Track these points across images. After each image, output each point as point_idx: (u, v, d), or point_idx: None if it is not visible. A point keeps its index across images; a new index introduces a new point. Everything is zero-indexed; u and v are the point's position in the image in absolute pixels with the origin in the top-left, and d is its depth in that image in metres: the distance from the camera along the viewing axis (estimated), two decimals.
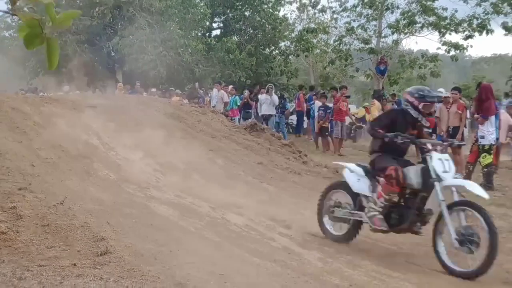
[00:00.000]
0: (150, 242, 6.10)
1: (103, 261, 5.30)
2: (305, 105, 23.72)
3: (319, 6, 34.28)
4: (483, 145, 12.52)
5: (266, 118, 20.30)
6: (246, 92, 23.34)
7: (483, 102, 12.40)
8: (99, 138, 10.16)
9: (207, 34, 34.21)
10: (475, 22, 27.50)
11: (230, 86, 24.17)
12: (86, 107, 11.47)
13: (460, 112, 14.38)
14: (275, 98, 21.27)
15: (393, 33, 29.42)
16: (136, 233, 6.34)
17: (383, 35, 30.09)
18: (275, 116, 20.99)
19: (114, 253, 5.50)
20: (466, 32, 27.82)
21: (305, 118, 24.29)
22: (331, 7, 32.78)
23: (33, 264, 5.06)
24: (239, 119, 20.89)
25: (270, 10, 33.45)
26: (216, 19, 34.99)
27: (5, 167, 7.33)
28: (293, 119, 26.47)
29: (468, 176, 13.13)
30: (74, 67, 23.78)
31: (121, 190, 8.13)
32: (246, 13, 33.53)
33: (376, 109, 20.92)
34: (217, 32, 35.60)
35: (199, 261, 5.70)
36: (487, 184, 12.38)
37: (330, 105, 20.01)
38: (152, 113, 12.34)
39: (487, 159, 12.28)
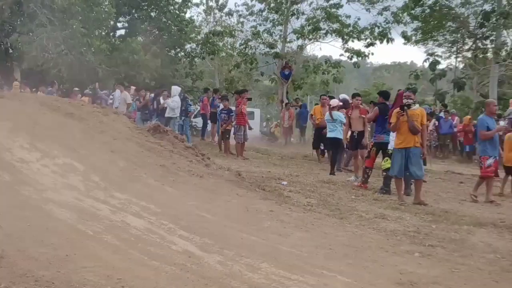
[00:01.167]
0: (45, 246, 5.92)
1: None
2: (209, 108, 23.73)
3: (226, 9, 34.52)
4: (388, 150, 12.98)
5: (168, 121, 20.07)
6: (148, 95, 23.15)
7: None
8: None
9: (111, 34, 33.54)
10: (376, 30, 28.58)
11: (133, 88, 23.85)
12: None
13: (363, 116, 14.77)
14: (169, 102, 21.13)
15: (298, 38, 30.02)
16: (30, 237, 6.13)
17: (288, 40, 30.65)
18: (177, 118, 20.77)
19: (6, 257, 5.30)
20: (368, 40, 28.87)
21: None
22: (237, 11, 33.07)
23: None
24: (135, 120, 20.64)
25: (177, 11, 33.23)
26: (121, 18, 34.33)
27: None
28: (198, 122, 26.43)
29: (365, 181, 13.58)
30: None
31: (16, 192, 7.82)
32: (152, 14, 33.16)
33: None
34: (122, 32, 34.98)
35: (96, 265, 5.58)
36: (384, 188, 12.82)
37: (233, 108, 20.09)
38: (51, 112, 11.95)
39: (387, 163, 12.68)
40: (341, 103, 17.00)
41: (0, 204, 7.00)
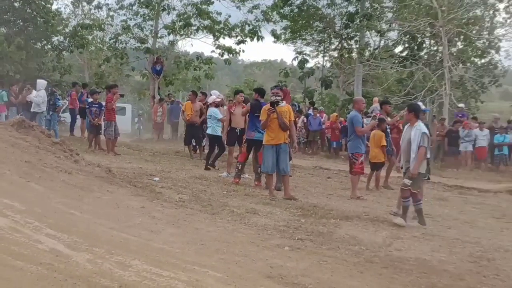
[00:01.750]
0: None
1: None
2: (77, 103, 23.09)
3: (95, 2, 33.67)
4: None
5: (33, 116, 19.28)
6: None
7: None
8: None
9: None
10: (247, 28, 28.94)
11: None
12: None
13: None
14: (32, 97, 20.38)
15: (169, 34, 29.89)
16: None
17: (159, 35, 30.46)
18: (43, 113, 20.01)
19: None
20: (239, 37, 29.21)
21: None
22: (107, 4, 32.36)
23: None
24: (6, 116, 19.73)
25: (42, 2, 31.89)
26: None
27: None
28: (66, 117, 25.62)
29: (237, 176, 13.78)
30: None
31: None
32: (16, 4, 31.64)
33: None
34: None
35: None
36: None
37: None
38: None
39: None
40: (218, 99, 17.09)
41: None
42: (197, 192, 11.61)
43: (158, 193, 10.89)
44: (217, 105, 16.70)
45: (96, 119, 19.00)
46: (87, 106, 19.96)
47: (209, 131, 16.44)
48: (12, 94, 22.42)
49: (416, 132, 9.94)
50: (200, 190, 12.04)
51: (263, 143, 12.32)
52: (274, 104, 11.94)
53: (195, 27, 29.29)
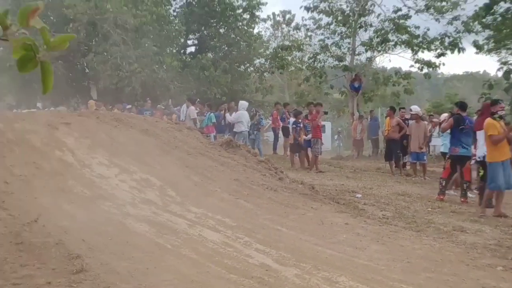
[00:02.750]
0: (126, 259, 6.04)
1: (78, 279, 5.24)
2: (279, 122, 23.80)
3: (293, 24, 34.60)
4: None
5: (235, 135, 20.11)
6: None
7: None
8: (73, 155, 10.03)
9: (182, 51, 34.17)
10: (447, 40, 28.00)
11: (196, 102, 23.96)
12: (60, 123, 11.34)
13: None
14: (228, 116, 21.47)
15: (366, 50, 29.78)
16: (111, 250, 6.27)
17: (357, 52, 30.40)
18: (243, 133, 20.76)
19: (89, 271, 5.44)
20: (438, 50, 28.32)
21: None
22: (305, 25, 33.07)
23: (7, 282, 4.98)
24: (215, 136, 20.83)
25: (245, 27, 33.59)
26: (191, 36, 34.97)
27: None
28: (269, 136, 26.53)
29: (441, 192, 13.34)
30: None
31: (96, 207, 8.03)
32: (221, 30, 33.61)
33: None
34: (192, 49, 35.59)
35: (175, 279, 5.66)
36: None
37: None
38: (127, 129, 12.25)
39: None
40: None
41: (82, 219, 7.20)
42: (400, 209, 11.43)
43: (361, 209, 10.87)
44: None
45: (299, 137, 19.37)
46: (292, 125, 20.36)
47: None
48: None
49: None
50: (404, 206, 11.83)
51: (488, 160, 11.61)
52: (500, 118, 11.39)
53: (392, 43, 28.95)
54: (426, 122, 18.70)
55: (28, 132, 10.32)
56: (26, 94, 31.12)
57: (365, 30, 29.67)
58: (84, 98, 29.68)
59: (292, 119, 21.52)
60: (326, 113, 21.94)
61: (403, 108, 21.25)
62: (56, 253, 5.73)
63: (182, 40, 33.81)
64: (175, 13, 33.40)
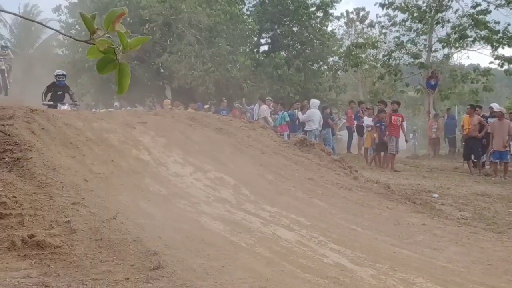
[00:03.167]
0: (201, 257, 6.09)
1: (155, 275, 5.31)
2: (353, 120, 23.59)
3: (368, 21, 34.16)
4: None
5: (306, 134, 19.99)
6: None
7: None
8: (149, 154, 10.21)
9: (255, 50, 34.25)
10: None
11: (268, 100, 23.89)
12: (136, 122, 11.57)
13: None
14: (300, 115, 21.36)
15: (443, 47, 29.04)
16: (187, 248, 6.34)
17: (433, 49, 29.71)
18: (314, 131, 20.57)
19: (166, 267, 5.51)
20: None
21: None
22: (379, 22, 32.57)
23: (87, 278, 5.10)
24: (288, 135, 20.81)
25: (318, 25, 33.32)
26: (264, 34, 34.97)
27: (59, 182, 7.44)
28: (343, 134, 26.33)
29: None
30: None
31: (172, 205, 8.14)
32: (294, 29, 33.48)
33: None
34: (265, 47, 35.58)
35: (250, 277, 5.66)
36: None
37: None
38: (202, 128, 12.37)
39: None
40: None
41: (158, 217, 7.31)
42: (480, 210, 11.12)
43: (439, 210, 10.65)
44: None
45: (381, 137, 19.02)
46: (377, 124, 19.96)
47: None
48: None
49: None
50: (483, 207, 11.50)
51: None
52: None
53: (471, 39, 28.12)
54: (508, 120, 18.10)
55: (106, 131, 10.57)
56: (104, 94, 32.01)
57: (442, 26, 28.94)
58: (159, 98, 30.25)
59: (366, 118, 21.29)
60: (396, 111, 21.45)
61: (480, 106, 20.65)
62: (134, 250, 5.83)
63: (255, 38, 33.88)
64: (248, 12, 33.50)
